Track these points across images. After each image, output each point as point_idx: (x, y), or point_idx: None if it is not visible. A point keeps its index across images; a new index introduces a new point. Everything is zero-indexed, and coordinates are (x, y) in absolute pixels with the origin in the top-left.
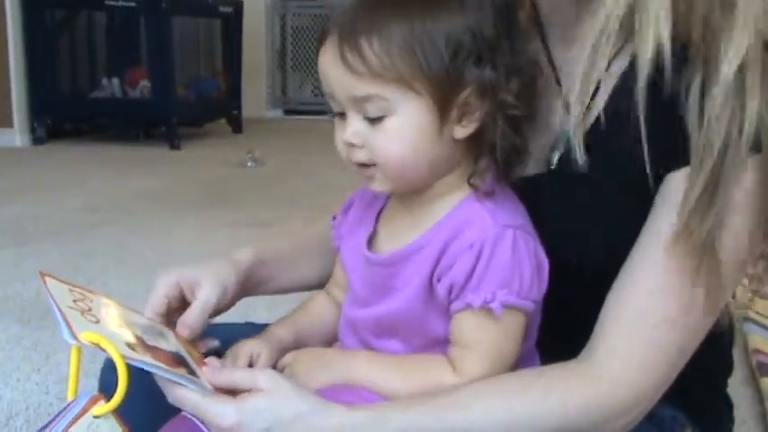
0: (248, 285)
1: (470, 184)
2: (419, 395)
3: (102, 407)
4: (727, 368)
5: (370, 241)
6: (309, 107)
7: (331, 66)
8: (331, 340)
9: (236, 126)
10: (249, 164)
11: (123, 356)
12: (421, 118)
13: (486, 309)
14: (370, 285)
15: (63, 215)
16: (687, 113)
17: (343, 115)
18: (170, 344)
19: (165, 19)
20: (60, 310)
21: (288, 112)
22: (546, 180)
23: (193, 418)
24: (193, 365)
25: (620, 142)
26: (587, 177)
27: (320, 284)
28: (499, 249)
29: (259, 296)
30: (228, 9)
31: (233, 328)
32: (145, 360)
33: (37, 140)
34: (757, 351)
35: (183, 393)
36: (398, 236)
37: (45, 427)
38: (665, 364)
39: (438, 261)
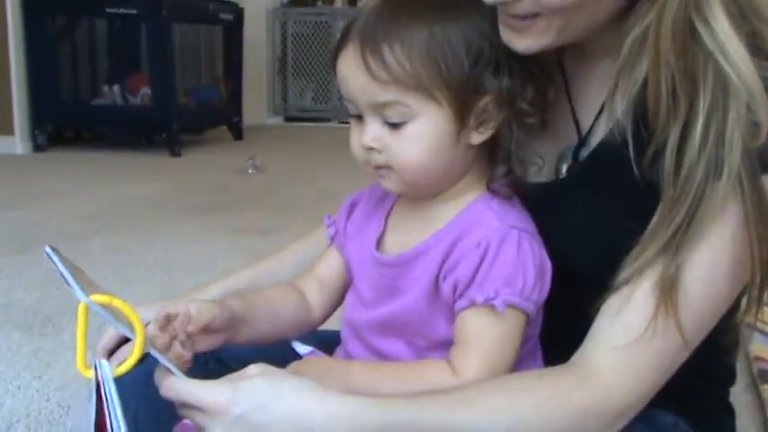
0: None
1: (491, 190)
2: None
3: (124, 364)
4: (730, 376)
5: (379, 242)
6: (310, 114)
7: (352, 72)
8: (281, 332)
9: (237, 133)
10: (250, 171)
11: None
12: (440, 125)
13: (489, 306)
14: (377, 287)
15: (64, 222)
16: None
17: (359, 119)
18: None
19: (165, 26)
20: (69, 273)
21: (288, 119)
22: (556, 188)
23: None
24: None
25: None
26: (594, 186)
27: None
28: (504, 249)
29: None
30: (229, 16)
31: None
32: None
33: (38, 148)
34: (759, 358)
35: (174, 381)
36: (407, 237)
37: (97, 411)
38: (659, 370)
39: (444, 261)
